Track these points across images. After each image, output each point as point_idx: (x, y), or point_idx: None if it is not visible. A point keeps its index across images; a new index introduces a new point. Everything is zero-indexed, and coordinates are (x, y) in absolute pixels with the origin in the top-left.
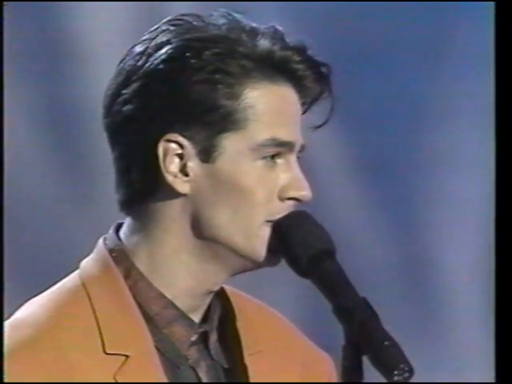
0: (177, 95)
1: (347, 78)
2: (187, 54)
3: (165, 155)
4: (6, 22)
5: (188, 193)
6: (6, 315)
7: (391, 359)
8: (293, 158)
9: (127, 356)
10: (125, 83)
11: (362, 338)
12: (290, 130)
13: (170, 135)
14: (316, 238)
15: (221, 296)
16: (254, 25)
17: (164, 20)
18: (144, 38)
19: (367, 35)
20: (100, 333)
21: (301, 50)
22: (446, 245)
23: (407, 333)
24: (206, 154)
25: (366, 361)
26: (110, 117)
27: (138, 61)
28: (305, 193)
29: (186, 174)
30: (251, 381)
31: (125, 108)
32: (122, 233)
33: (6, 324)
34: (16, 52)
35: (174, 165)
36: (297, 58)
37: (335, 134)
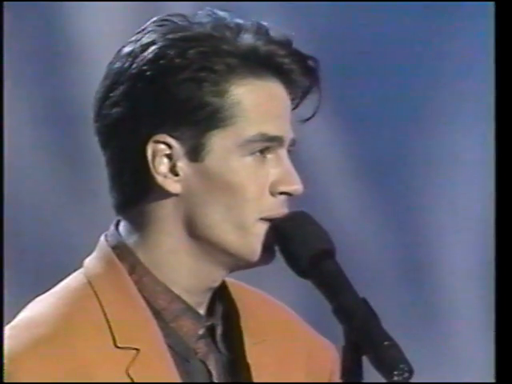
0: (163, 95)
1: (347, 78)
2: (172, 54)
3: (154, 156)
4: (5, 22)
5: (179, 193)
6: (5, 315)
7: (391, 359)
8: (283, 152)
9: (138, 350)
10: (112, 86)
11: (362, 339)
12: (279, 124)
13: (158, 136)
14: (316, 239)
15: (223, 289)
16: (238, 21)
17: (150, 21)
18: (131, 39)
19: (367, 35)
20: (110, 328)
21: (285, 43)
22: (446, 245)
23: (407, 333)
24: (195, 153)
25: (365, 361)
26: (100, 120)
27: (124, 63)
28: (296, 187)
29: (176, 174)
30: (256, 371)
31: (113, 111)
32: (122, 231)
33: (14, 323)
34: (16, 52)
35: (163, 165)
36: (281, 52)
37: (334, 134)
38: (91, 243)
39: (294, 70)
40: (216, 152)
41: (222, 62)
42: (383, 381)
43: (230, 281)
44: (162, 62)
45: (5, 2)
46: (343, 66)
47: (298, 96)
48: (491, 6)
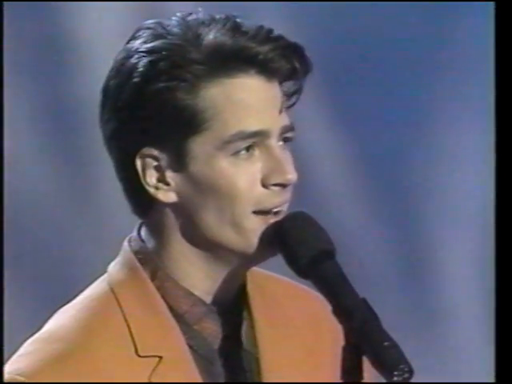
0: (142, 110)
1: (347, 78)
2: (143, 68)
3: (143, 170)
4: (6, 22)
5: (175, 201)
6: (5, 316)
7: (391, 360)
8: (272, 143)
9: (161, 357)
10: (104, 103)
11: (362, 339)
12: (258, 118)
13: (144, 150)
14: (316, 239)
15: (245, 284)
16: (205, 20)
17: (136, 28)
18: (122, 48)
19: (367, 35)
20: (132, 337)
21: (257, 34)
22: (446, 245)
23: (407, 333)
24: (179, 161)
25: (365, 361)
26: (102, 135)
27: (109, 80)
28: (289, 176)
29: (168, 184)
30: (280, 364)
31: (106, 127)
32: (143, 235)
33: (34, 337)
34: (16, 52)
35: (153, 178)
36: (252, 45)
37: (334, 134)
38: (92, 243)
39: (272, 58)
40: (198, 158)
41: (189, 71)
42: (383, 381)
43: (253, 272)
44: (135, 76)
45: (5, 2)
46: (343, 67)
47: (295, 81)
48: (491, 5)
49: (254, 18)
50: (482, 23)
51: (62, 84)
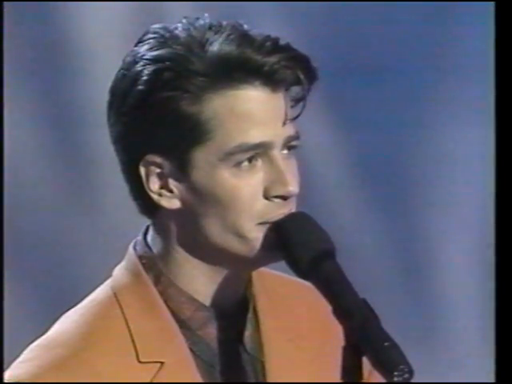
0: (146, 117)
1: (347, 80)
2: (148, 76)
3: (147, 176)
4: (5, 22)
5: (179, 208)
6: (5, 316)
7: (391, 360)
8: (275, 154)
9: (162, 363)
10: (111, 104)
11: (362, 339)
12: (261, 130)
13: (148, 156)
14: (316, 239)
15: (250, 287)
16: (212, 29)
17: (145, 32)
18: (130, 51)
19: (366, 35)
20: (133, 342)
21: (264, 45)
22: (446, 245)
23: (407, 334)
24: (182, 170)
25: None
26: (110, 136)
27: (117, 81)
28: (289, 189)
29: (171, 191)
30: (289, 367)
31: (112, 130)
32: (149, 240)
33: (36, 343)
34: (16, 52)
35: (156, 184)
36: (257, 57)
37: (334, 135)
38: (92, 243)
39: (278, 70)
40: (200, 167)
41: (192, 82)
42: (383, 381)
43: (259, 272)
44: (140, 84)
45: (5, 2)
46: (344, 68)
47: (299, 92)
48: (491, 5)
49: (252, 18)
50: (482, 23)
51: (63, 84)
